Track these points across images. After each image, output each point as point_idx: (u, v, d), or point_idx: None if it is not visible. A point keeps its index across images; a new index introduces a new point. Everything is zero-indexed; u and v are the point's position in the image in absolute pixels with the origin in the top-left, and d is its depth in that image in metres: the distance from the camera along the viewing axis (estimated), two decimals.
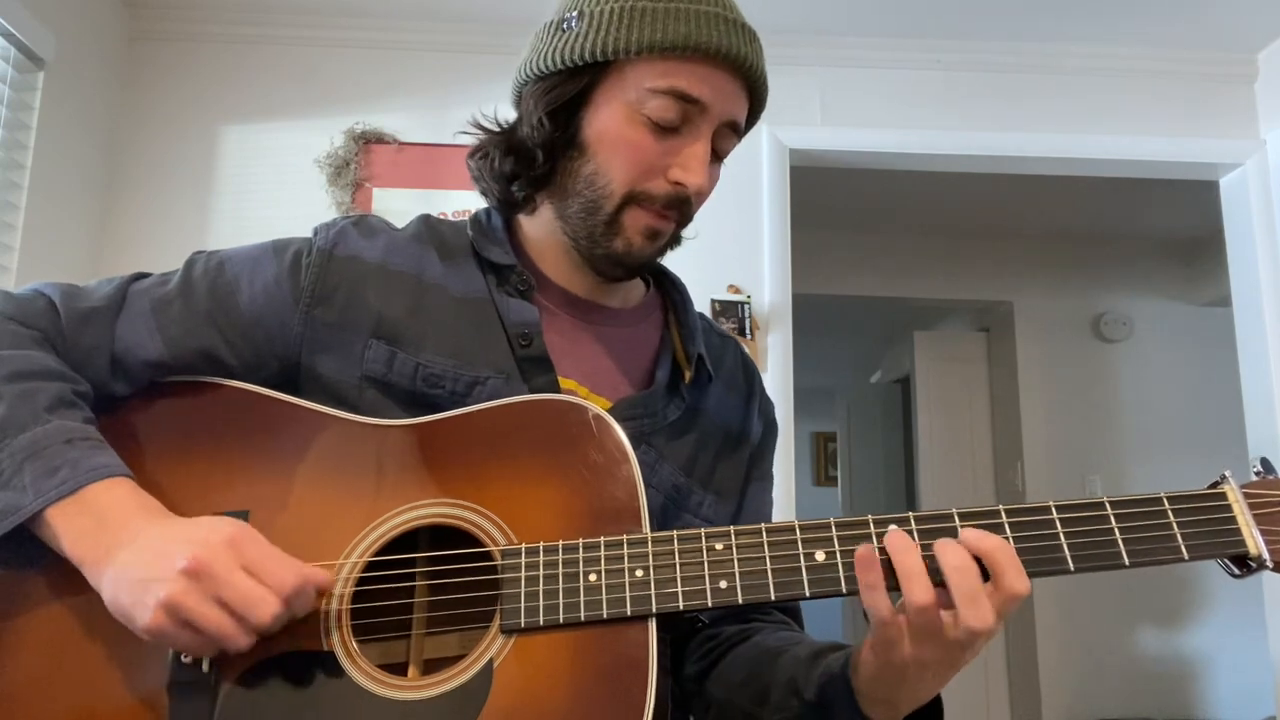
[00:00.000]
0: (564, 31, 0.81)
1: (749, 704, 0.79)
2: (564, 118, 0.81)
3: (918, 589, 0.63)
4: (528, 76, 0.84)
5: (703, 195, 0.82)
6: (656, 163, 0.79)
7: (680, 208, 0.82)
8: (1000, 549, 0.64)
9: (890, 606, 0.65)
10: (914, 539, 0.66)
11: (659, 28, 0.77)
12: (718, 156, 0.84)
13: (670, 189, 0.80)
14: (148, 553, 0.65)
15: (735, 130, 0.83)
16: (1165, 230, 4.14)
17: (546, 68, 0.81)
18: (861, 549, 0.66)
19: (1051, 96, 2.74)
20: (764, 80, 0.83)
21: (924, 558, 0.64)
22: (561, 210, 0.84)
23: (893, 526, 0.67)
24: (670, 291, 0.96)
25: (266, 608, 0.64)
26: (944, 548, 0.65)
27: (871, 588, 0.65)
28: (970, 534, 0.65)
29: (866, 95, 2.72)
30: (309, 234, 0.85)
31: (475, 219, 0.89)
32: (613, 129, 0.80)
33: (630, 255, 0.82)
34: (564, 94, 0.81)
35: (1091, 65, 2.73)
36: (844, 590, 0.66)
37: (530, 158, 0.83)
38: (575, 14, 0.81)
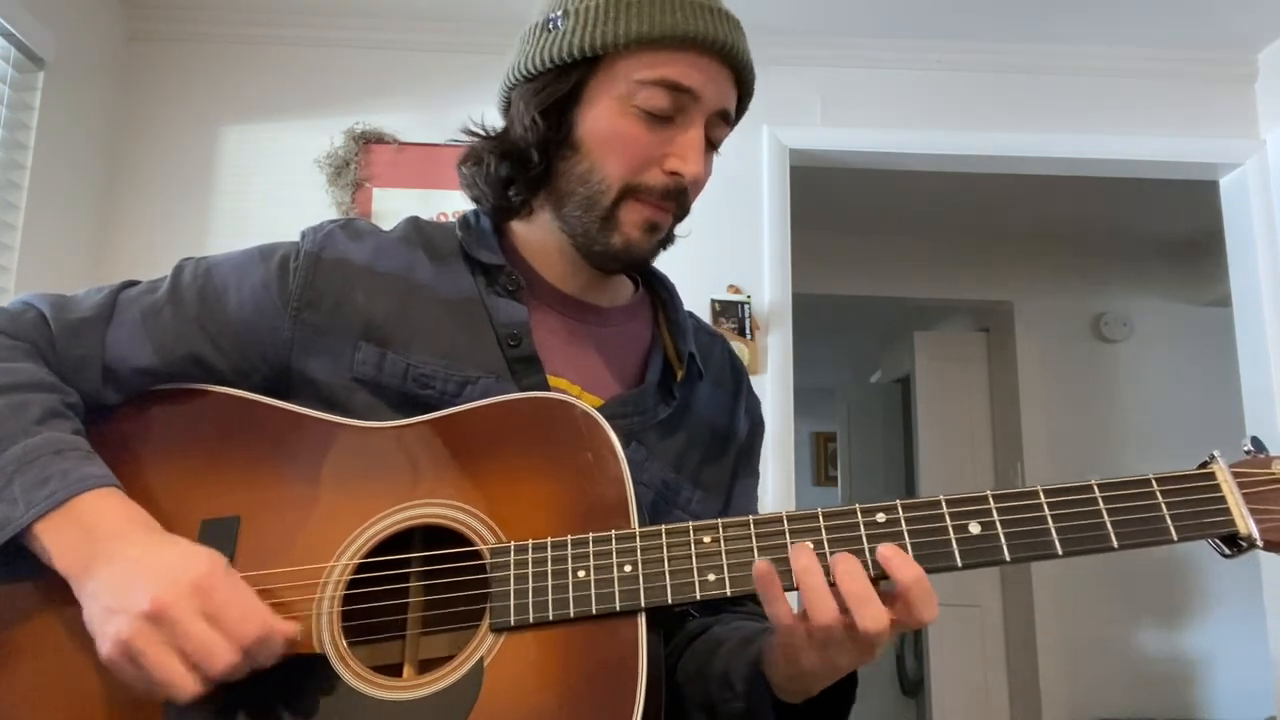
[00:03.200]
0: (550, 31, 0.81)
1: (701, 697, 0.80)
2: (556, 117, 0.82)
3: (821, 608, 0.63)
4: (516, 79, 0.84)
5: (699, 184, 0.82)
6: (651, 154, 0.80)
7: (678, 198, 0.82)
8: (916, 584, 0.63)
9: (791, 616, 0.65)
10: (822, 553, 0.66)
11: (644, 19, 0.78)
12: (712, 145, 0.84)
13: (667, 180, 0.80)
14: (118, 580, 0.64)
15: (726, 119, 0.84)
16: (1165, 230, 4.13)
17: (535, 68, 0.82)
18: (759, 564, 0.66)
19: (1051, 96, 2.73)
20: (751, 68, 0.84)
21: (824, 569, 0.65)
22: (558, 211, 0.84)
23: (805, 542, 0.66)
24: (659, 290, 0.96)
25: (221, 659, 0.62)
26: (838, 561, 0.64)
27: (773, 600, 0.65)
28: (888, 553, 0.65)
29: (866, 95, 2.72)
30: (296, 238, 0.85)
31: (464, 220, 0.89)
32: (605, 124, 0.80)
33: (629, 250, 0.82)
34: (555, 93, 0.81)
35: (1091, 65, 2.73)
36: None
37: (525, 159, 0.83)
38: (560, 13, 0.81)
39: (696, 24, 0.78)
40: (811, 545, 0.66)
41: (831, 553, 0.67)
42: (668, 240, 0.88)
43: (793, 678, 0.70)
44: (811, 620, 0.64)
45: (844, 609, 0.64)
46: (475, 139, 0.88)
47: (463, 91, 2.58)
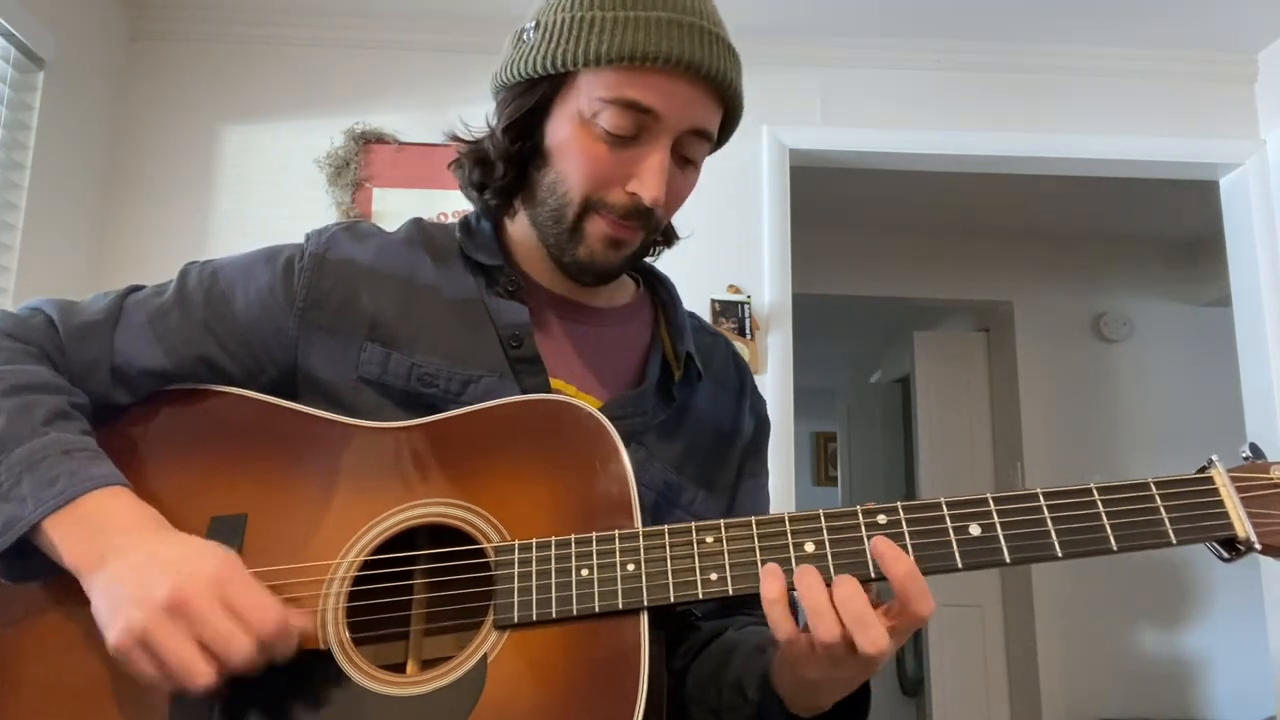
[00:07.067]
0: (523, 44, 0.82)
1: (713, 702, 0.80)
2: (527, 128, 0.82)
3: (824, 626, 0.63)
4: (496, 86, 0.86)
5: (665, 205, 0.81)
6: (613, 173, 0.79)
7: (641, 218, 0.80)
8: (908, 577, 0.64)
9: (791, 626, 0.66)
10: (828, 574, 0.66)
11: (606, 39, 0.76)
12: (689, 162, 0.82)
13: (628, 200, 0.79)
14: (134, 572, 0.65)
15: (704, 136, 0.81)
16: (1165, 230, 4.14)
17: (508, 79, 0.83)
18: (769, 565, 0.66)
19: (1051, 96, 2.74)
20: (729, 84, 0.79)
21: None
22: (534, 216, 0.85)
23: (805, 565, 0.67)
24: (659, 290, 0.96)
25: (240, 650, 0.63)
26: (839, 584, 0.65)
27: (774, 602, 0.65)
28: (881, 547, 0.65)
29: (866, 95, 2.72)
30: (301, 240, 0.86)
31: (464, 222, 0.90)
32: (568, 139, 0.80)
33: (594, 264, 0.82)
34: (522, 107, 0.82)
35: (1092, 65, 2.73)
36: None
37: (493, 168, 0.85)
38: (532, 25, 0.82)
39: (659, 45, 0.75)
40: (814, 557, 0.67)
41: (834, 552, 0.67)
42: (655, 246, 0.89)
43: (798, 690, 0.70)
44: (815, 637, 0.64)
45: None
46: (457, 143, 0.89)
47: (463, 91, 2.58)
